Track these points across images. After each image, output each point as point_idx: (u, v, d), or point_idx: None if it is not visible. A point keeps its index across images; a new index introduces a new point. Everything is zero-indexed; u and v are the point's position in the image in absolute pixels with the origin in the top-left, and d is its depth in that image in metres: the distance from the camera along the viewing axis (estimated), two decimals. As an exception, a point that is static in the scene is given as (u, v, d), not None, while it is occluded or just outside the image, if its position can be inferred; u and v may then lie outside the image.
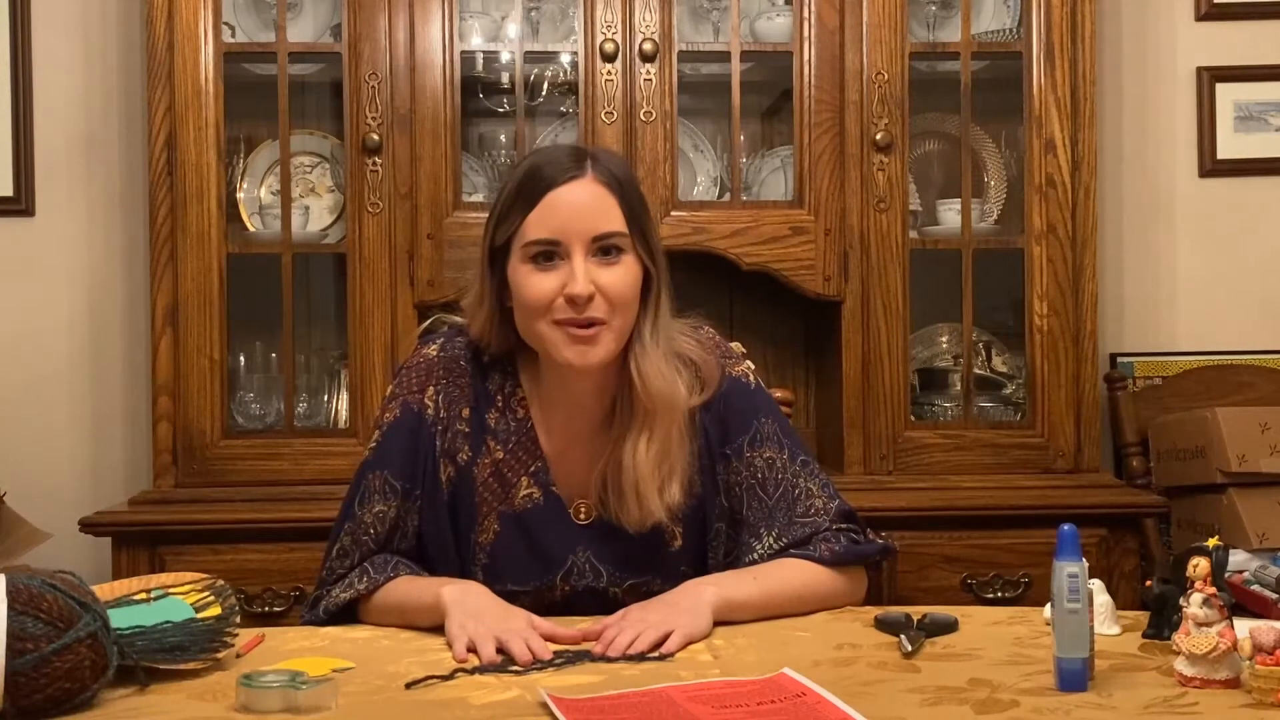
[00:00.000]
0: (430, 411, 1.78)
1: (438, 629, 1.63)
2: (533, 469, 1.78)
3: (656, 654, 1.51)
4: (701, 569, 1.81)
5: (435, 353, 1.81)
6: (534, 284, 1.68)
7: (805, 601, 1.72)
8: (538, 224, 1.68)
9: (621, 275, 1.70)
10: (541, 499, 1.77)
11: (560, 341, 1.68)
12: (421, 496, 1.78)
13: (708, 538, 1.81)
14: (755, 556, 1.77)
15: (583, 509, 1.78)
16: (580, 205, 1.69)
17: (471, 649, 1.52)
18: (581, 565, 1.77)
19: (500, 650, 1.50)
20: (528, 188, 1.70)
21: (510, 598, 1.74)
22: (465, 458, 1.78)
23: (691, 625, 1.57)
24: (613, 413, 1.77)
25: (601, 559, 1.77)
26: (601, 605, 1.77)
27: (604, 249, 1.69)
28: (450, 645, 1.55)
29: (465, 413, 1.78)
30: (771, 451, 1.80)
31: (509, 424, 1.78)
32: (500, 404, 1.79)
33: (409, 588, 1.71)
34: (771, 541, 1.77)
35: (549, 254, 1.68)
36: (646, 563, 1.78)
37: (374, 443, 1.81)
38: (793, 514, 1.78)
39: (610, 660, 1.50)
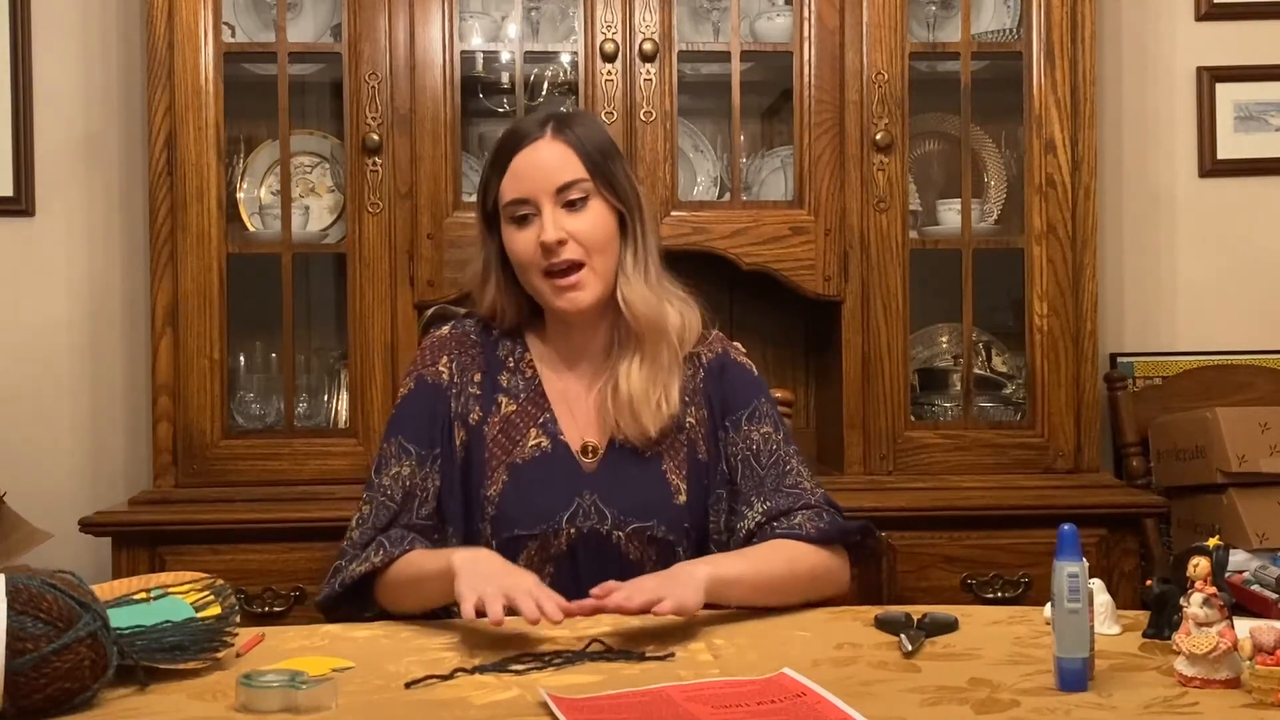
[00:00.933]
0: (445, 377, 1.89)
1: (439, 628, 1.64)
2: (541, 420, 1.87)
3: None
4: (704, 533, 1.88)
5: (448, 332, 1.94)
6: (517, 241, 1.84)
7: (795, 576, 1.77)
8: (510, 187, 1.84)
9: (589, 220, 1.83)
10: (550, 447, 1.85)
11: (549, 291, 1.83)
12: (440, 457, 1.85)
13: (709, 500, 1.88)
14: (746, 523, 1.83)
15: (589, 450, 1.86)
16: (541, 164, 1.83)
17: (479, 609, 1.53)
18: (588, 507, 1.83)
19: (509, 609, 1.52)
20: (499, 155, 1.87)
21: (517, 544, 1.81)
22: (476, 418, 1.87)
23: (683, 596, 1.59)
24: (611, 355, 1.89)
25: (608, 502, 1.83)
26: (605, 555, 1.81)
27: (569, 199, 1.82)
28: (459, 604, 1.56)
29: (477, 377, 1.89)
30: (768, 428, 1.90)
31: (519, 381, 1.89)
32: (511, 366, 1.90)
33: (422, 559, 1.74)
34: (759, 506, 1.84)
35: (524, 213, 1.83)
36: (651, 507, 1.84)
37: (390, 418, 1.92)
38: (781, 483, 1.86)
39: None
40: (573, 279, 1.81)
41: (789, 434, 1.92)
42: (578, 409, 1.88)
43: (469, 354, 1.90)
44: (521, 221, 1.83)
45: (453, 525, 1.85)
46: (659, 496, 1.84)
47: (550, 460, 1.85)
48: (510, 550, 1.80)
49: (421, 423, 1.86)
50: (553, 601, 1.54)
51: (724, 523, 1.88)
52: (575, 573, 1.80)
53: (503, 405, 1.87)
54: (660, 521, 1.83)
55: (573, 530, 1.82)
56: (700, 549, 1.86)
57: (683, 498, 1.85)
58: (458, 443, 1.86)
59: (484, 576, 1.59)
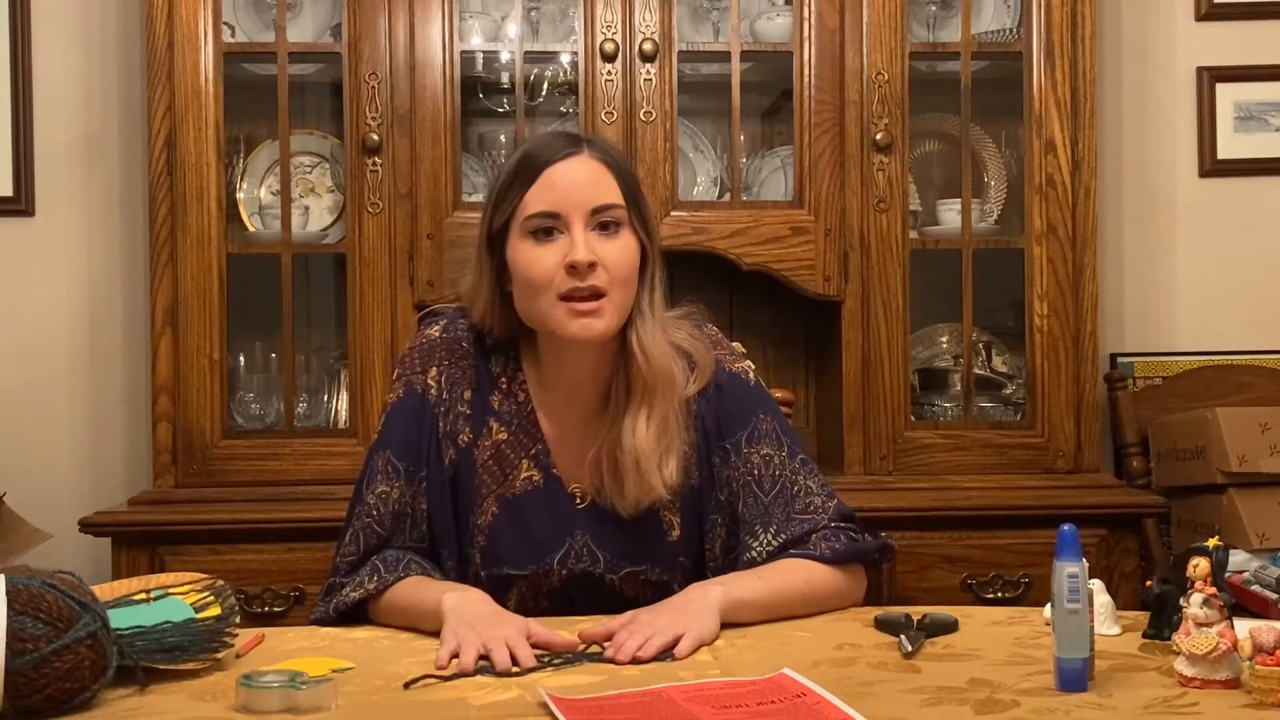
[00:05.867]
0: (434, 392, 1.80)
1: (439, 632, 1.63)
2: (533, 451, 1.79)
3: (668, 656, 1.51)
4: (699, 561, 1.82)
5: (438, 334, 1.83)
6: (535, 258, 1.70)
7: (810, 600, 1.72)
8: (537, 199, 1.71)
9: (620, 249, 1.72)
10: (541, 481, 1.79)
11: (562, 315, 1.70)
12: (427, 478, 1.79)
13: (703, 528, 1.82)
14: (752, 554, 1.77)
15: (578, 493, 1.79)
16: (578, 179, 1.72)
17: (456, 654, 1.51)
18: (579, 549, 1.78)
19: (484, 657, 1.49)
20: (525, 167, 1.73)
21: (508, 582, 1.77)
22: (466, 440, 1.79)
23: (700, 628, 1.57)
24: (609, 396, 1.79)
25: (599, 544, 1.78)
26: (598, 592, 1.78)
27: (602, 223, 1.72)
28: (440, 647, 1.55)
29: (467, 394, 1.80)
30: (769, 449, 1.81)
31: (511, 406, 1.80)
32: (504, 386, 1.81)
33: (413, 592, 1.71)
34: (770, 538, 1.77)
35: (549, 228, 1.71)
36: (644, 551, 1.79)
37: (380, 424, 1.84)
38: (791, 510, 1.78)
39: (618, 663, 1.49)
40: (592, 305, 1.69)
41: (794, 441, 1.83)
42: (571, 449, 1.79)
43: (459, 365, 1.80)
44: (543, 236, 1.70)
45: (446, 549, 1.80)
46: (652, 537, 1.79)
47: (542, 495, 1.78)
48: (501, 586, 1.77)
49: (409, 437, 1.79)
50: (526, 651, 1.49)
51: (719, 548, 1.82)
52: (570, 604, 1.78)
53: (494, 430, 1.79)
54: (654, 564, 1.79)
55: (564, 571, 1.78)
56: (697, 577, 1.79)
57: (676, 532, 1.80)
58: (446, 461, 1.79)
59: (468, 622, 1.56)
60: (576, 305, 1.69)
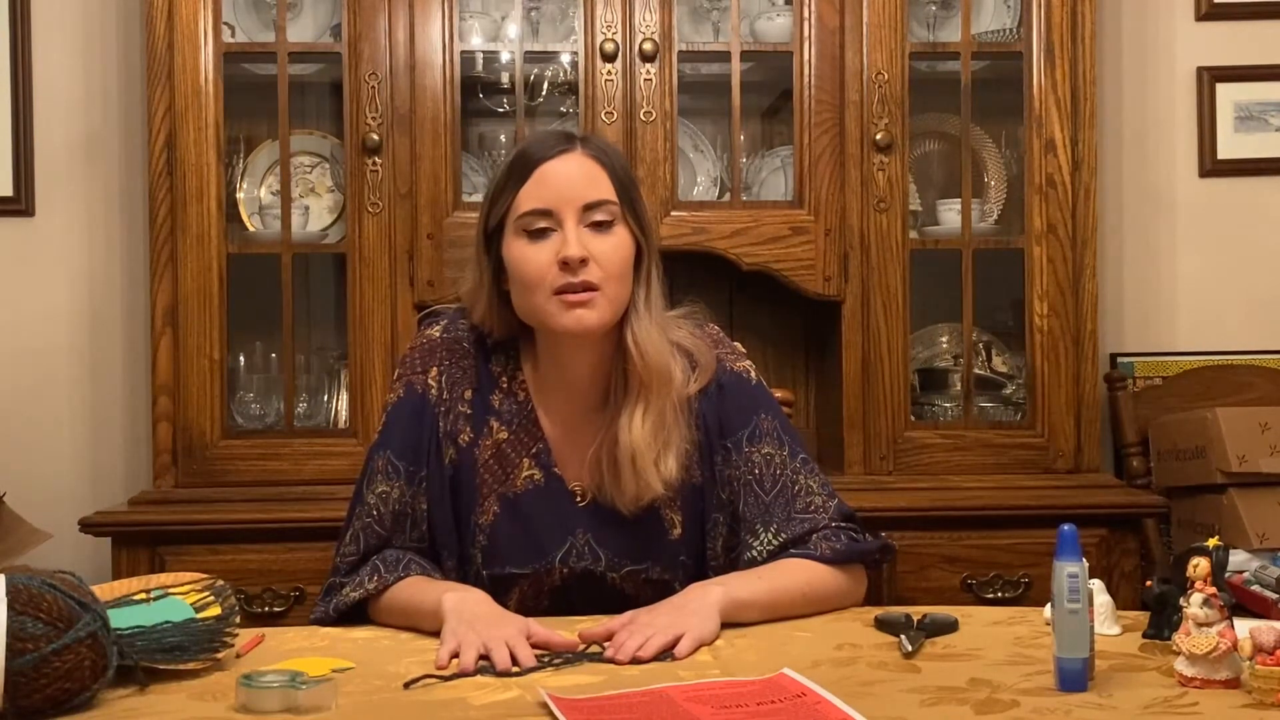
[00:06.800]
0: (434, 392, 1.80)
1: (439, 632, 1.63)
2: (534, 450, 1.80)
3: (668, 656, 1.51)
4: (701, 560, 1.83)
5: (438, 334, 1.84)
6: (528, 256, 1.71)
7: (810, 600, 1.72)
8: (529, 196, 1.72)
9: (614, 245, 1.73)
10: (543, 480, 1.79)
11: (555, 309, 1.71)
12: (427, 478, 1.79)
13: (705, 526, 1.82)
14: (753, 554, 1.77)
15: (579, 491, 1.80)
16: (571, 175, 1.73)
17: (456, 654, 1.51)
18: (580, 548, 1.78)
19: (484, 657, 1.49)
20: (518, 166, 1.75)
21: (509, 581, 1.77)
22: (466, 439, 1.80)
23: (700, 628, 1.57)
24: (608, 395, 1.79)
25: (601, 542, 1.78)
26: (600, 591, 1.78)
27: (596, 220, 1.72)
28: (440, 647, 1.55)
29: (468, 394, 1.81)
30: (770, 448, 1.81)
31: (512, 406, 1.80)
32: (505, 385, 1.81)
33: (414, 591, 1.71)
34: (770, 537, 1.77)
35: (542, 225, 1.71)
36: (645, 549, 1.79)
37: (380, 425, 1.84)
38: (791, 509, 1.79)
39: (618, 663, 1.49)
40: (585, 296, 1.70)
41: (795, 440, 1.84)
42: (572, 447, 1.80)
43: (460, 365, 1.81)
44: (536, 235, 1.71)
45: (446, 549, 1.80)
46: (653, 535, 1.79)
47: (543, 494, 1.78)
48: (502, 586, 1.77)
49: (409, 437, 1.79)
50: (526, 651, 1.49)
51: (720, 546, 1.82)
52: (570, 604, 1.77)
53: (494, 429, 1.79)
54: (655, 563, 1.79)
55: (565, 570, 1.78)
56: (698, 576, 1.79)
57: (677, 531, 1.80)
58: (446, 460, 1.79)
59: (468, 622, 1.56)
60: (569, 297, 1.70)
